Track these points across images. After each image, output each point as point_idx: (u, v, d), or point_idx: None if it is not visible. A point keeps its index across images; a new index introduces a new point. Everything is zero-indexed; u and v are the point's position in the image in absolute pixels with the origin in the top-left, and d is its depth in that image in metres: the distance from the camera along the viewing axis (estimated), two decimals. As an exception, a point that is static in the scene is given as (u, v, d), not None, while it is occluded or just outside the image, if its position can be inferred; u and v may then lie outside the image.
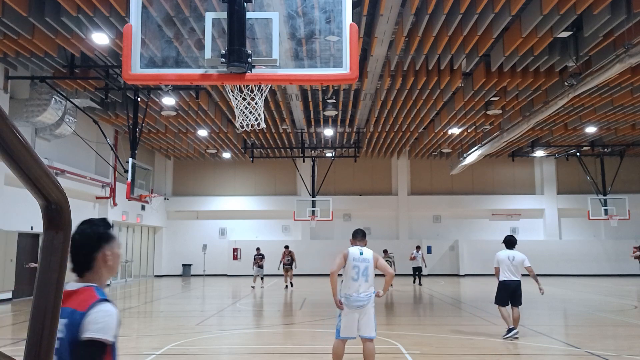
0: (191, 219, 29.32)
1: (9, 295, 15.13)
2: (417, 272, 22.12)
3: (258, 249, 21.02)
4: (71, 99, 15.98)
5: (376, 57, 13.54)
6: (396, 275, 26.47)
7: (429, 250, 28.20)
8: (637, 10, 9.99)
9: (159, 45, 3.68)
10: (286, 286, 20.12)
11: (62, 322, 1.92)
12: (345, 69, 3.43)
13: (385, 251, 20.41)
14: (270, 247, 24.83)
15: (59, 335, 1.89)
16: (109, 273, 2.17)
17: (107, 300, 2.04)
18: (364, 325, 6.07)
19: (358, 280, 6.06)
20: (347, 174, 28.92)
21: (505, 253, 9.24)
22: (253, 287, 20.20)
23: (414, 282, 22.39)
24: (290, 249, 20.84)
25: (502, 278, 9.14)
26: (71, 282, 2.10)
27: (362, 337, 6.11)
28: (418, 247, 22.40)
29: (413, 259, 21.90)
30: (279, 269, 20.71)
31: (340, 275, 6.15)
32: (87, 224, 2.16)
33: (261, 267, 20.24)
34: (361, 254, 6.17)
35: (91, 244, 2.12)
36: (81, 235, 2.11)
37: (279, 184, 29.29)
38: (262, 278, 20.47)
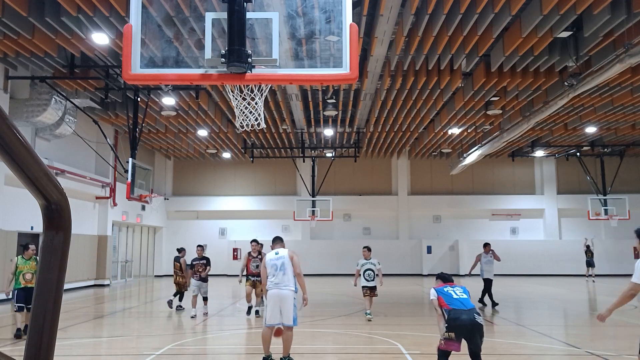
0: (191, 219, 29.31)
1: (9, 295, 15.12)
2: (488, 285, 13.96)
3: (201, 249, 12.73)
4: (71, 99, 15.97)
5: (376, 57, 13.54)
6: (395, 275, 26.54)
7: (429, 250, 28.16)
8: (637, 10, 9.99)
9: (159, 45, 3.68)
10: (256, 311, 11.95)
11: None
12: (345, 69, 3.43)
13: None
14: (269, 247, 24.71)
15: None
16: None
17: None
18: (284, 314, 6.84)
19: (277, 275, 6.96)
20: (347, 174, 28.91)
21: None
22: (193, 316, 11.90)
23: (483, 301, 13.95)
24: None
25: None
26: None
27: (283, 325, 6.86)
28: (487, 245, 14.39)
29: (477, 261, 14.30)
30: (240, 281, 12.08)
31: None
32: None
33: (205, 280, 12.47)
34: (277, 254, 7.15)
35: None
36: None
37: (278, 184, 29.28)
38: (205, 298, 12.50)
